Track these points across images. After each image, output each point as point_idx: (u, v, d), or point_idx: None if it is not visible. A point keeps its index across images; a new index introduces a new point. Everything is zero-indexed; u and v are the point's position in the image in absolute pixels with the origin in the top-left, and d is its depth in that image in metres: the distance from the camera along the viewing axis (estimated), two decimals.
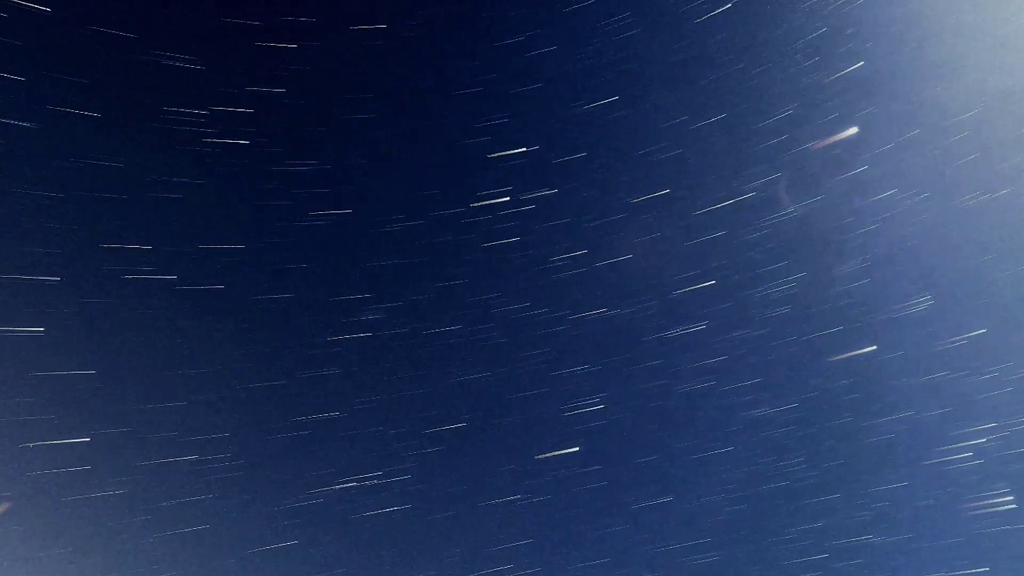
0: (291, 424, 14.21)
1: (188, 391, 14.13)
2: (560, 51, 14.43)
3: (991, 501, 13.63)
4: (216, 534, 13.92)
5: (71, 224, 13.87)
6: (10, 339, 13.53)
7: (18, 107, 13.59)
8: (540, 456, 14.37)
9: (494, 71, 14.55)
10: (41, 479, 13.34)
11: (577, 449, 14.39)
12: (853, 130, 13.96)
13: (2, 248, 13.54)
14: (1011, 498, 13.57)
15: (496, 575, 14.31)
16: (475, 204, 14.68)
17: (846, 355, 14.06)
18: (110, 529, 13.60)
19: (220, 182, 14.27)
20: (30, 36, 13.54)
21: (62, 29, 13.69)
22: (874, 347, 14.04)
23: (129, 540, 13.65)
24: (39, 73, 13.63)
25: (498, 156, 14.68)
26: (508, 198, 14.65)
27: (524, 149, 14.66)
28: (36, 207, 13.76)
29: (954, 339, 13.77)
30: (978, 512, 13.55)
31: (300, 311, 14.35)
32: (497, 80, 14.58)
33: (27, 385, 13.63)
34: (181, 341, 14.28)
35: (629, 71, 14.43)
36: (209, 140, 14.28)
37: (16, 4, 13.42)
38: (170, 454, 13.91)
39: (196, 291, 14.14)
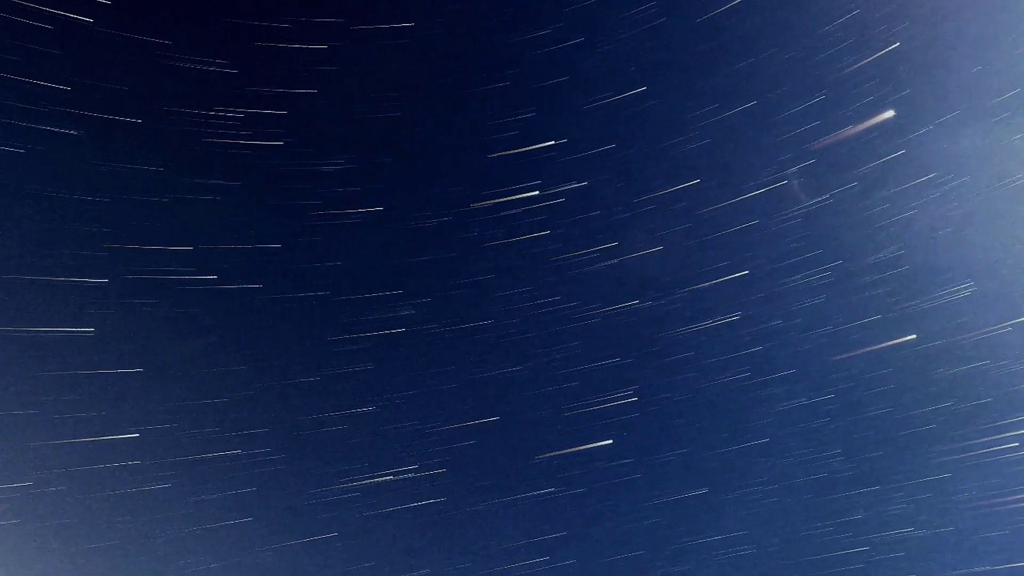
0: (327, 419, 14.55)
1: (229, 388, 14.56)
2: (586, 43, 14.39)
3: None
4: (258, 526, 14.36)
5: (117, 227, 14.37)
6: (62, 339, 14.12)
7: (65, 116, 14.12)
8: (572, 450, 14.44)
9: (520, 65, 14.58)
10: (92, 474, 13.92)
11: (610, 442, 14.42)
12: (889, 113, 13.62)
13: (53, 252, 14.12)
14: None
15: (531, 567, 14.46)
16: (504, 199, 14.76)
17: (884, 344, 13.76)
18: (158, 521, 14.14)
19: (255, 183, 14.63)
20: (74, 47, 14.04)
21: (103, 39, 14.17)
22: (913, 336, 13.73)
23: (176, 532, 14.18)
24: (83, 82, 14.13)
25: (526, 151, 14.73)
26: (537, 192, 14.69)
27: (552, 143, 14.67)
28: (84, 212, 14.30)
29: (996, 327, 13.38)
30: (1023, 504, 13.18)
31: (334, 308, 14.65)
32: (523, 74, 14.61)
33: (78, 384, 14.21)
34: (222, 339, 14.71)
35: (656, 61, 14.32)
36: (244, 142, 14.64)
37: (60, 16, 13.93)
38: (213, 449, 14.38)
39: (235, 290, 14.54)
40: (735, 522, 14.00)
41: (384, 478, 14.53)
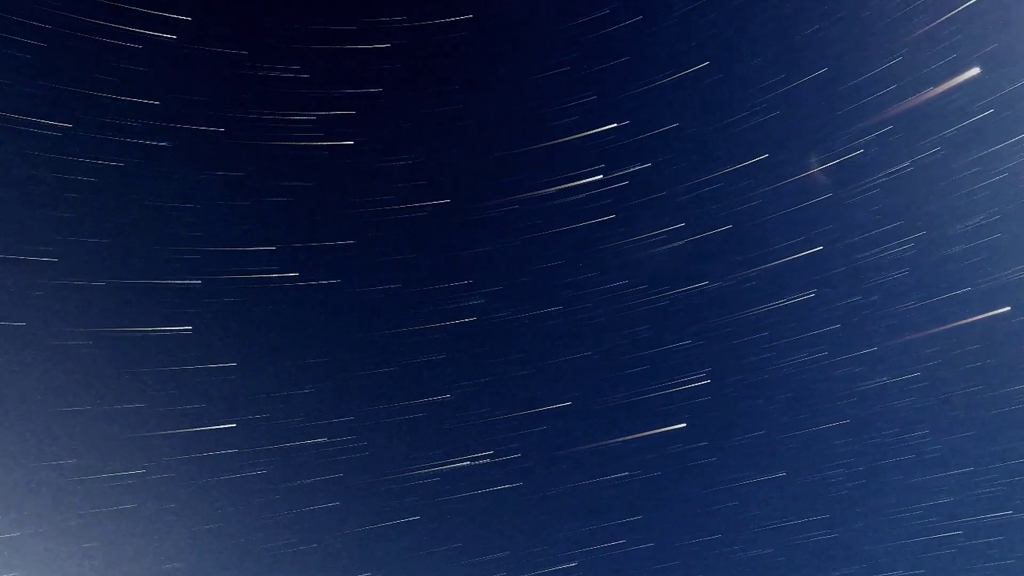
0: (405, 407, 15.11)
1: (314, 379, 15.35)
2: (644, 21, 14.14)
3: None
4: (346, 510, 15.14)
5: (207, 231, 15.34)
6: (164, 338, 15.25)
7: (156, 129, 15.13)
8: (645, 433, 14.41)
9: (578, 49, 14.50)
10: (194, 461, 15.05)
11: (683, 426, 14.31)
12: (974, 71, 12.72)
13: (152, 256, 15.23)
14: None
15: (607, 551, 14.59)
16: (568, 185, 14.78)
17: (974, 318, 12.96)
18: (256, 505, 15.15)
19: (329, 183, 15.25)
20: (160, 63, 15.01)
21: (186, 54, 15.07)
22: (1007, 308, 12.86)
23: (272, 515, 15.15)
24: (170, 96, 15.10)
25: (588, 135, 14.67)
26: (600, 176, 14.63)
27: (614, 125, 14.55)
28: (177, 218, 15.32)
29: None
30: None
31: (407, 300, 15.15)
32: (582, 58, 14.53)
33: (179, 378, 15.34)
34: (305, 333, 15.50)
35: (718, 35, 13.91)
36: (317, 144, 15.28)
37: (147, 35, 14.90)
38: (302, 437, 15.23)
39: (315, 286, 15.27)
40: (816, 506, 13.64)
41: (462, 463, 15.01)
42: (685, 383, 14.35)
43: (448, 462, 15.02)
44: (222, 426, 15.25)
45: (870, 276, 13.43)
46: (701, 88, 14.18)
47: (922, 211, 13.20)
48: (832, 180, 13.57)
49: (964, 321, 13.10)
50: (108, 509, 14.88)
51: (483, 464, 14.93)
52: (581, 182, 14.73)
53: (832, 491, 13.62)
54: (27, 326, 14.35)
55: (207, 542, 15.04)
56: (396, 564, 15.13)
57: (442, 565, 15.10)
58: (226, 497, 15.02)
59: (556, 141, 14.85)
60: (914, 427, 13.38)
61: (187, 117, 15.15)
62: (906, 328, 13.40)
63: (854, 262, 13.48)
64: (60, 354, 14.63)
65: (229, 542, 15.07)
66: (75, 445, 14.78)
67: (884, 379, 13.36)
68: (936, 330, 13.23)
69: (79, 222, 14.61)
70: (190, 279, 15.23)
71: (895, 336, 13.46)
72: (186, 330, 15.27)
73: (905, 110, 13.16)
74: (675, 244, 14.32)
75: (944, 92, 12.94)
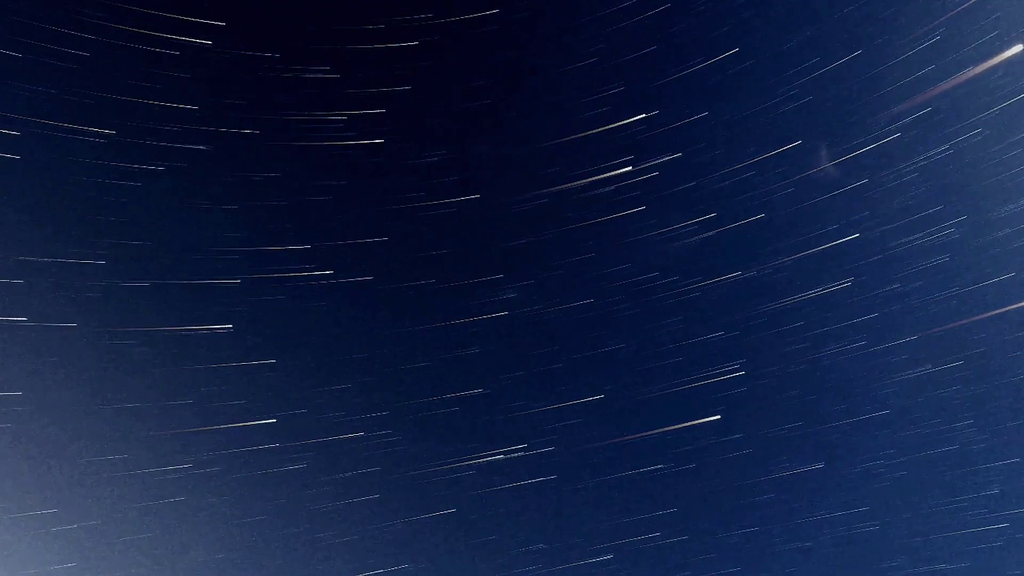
0: (440, 401, 15.29)
1: (351, 375, 15.64)
2: (673, 9, 13.97)
3: None
4: (384, 503, 15.42)
5: (245, 231, 15.72)
6: (207, 336, 15.70)
7: (195, 133, 15.54)
8: (680, 426, 14.31)
9: (606, 39, 14.40)
10: (238, 456, 15.49)
11: (718, 418, 14.17)
12: (1016, 49, 12.23)
13: (193, 257, 15.67)
14: None
15: (643, 543, 14.57)
16: (597, 177, 14.72)
17: (1020, 304, 12.52)
18: (297, 499, 15.54)
19: (361, 181, 15.47)
20: (197, 69, 15.39)
21: (221, 58, 15.42)
22: None
23: (314, 508, 15.53)
24: (208, 100, 15.47)
25: (617, 126, 14.58)
26: (630, 167, 14.54)
27: (643, 115, 14.43)
28: (217, 219, 15.73)
29: None
30: None
31: (440, 295, 15.30)
32: (609, 49, 14.43)
33: (222, 376, 15.79)
34: (342, 330, 15.80)
35: (748, 20, 13.66)
36: (349, 143, 15.51)
37: (184, 42, 15.28)
38: (341, 431, 15.55)
39: (350, 283, 15.53)
40: (857, 498, 13.39)
41: (496, 457, 15.14)
42: (719, 375, 14.23)
43: (482, 455, 15.19)
44: (263, 421, 15.68)
45: (910, 263, 13.10)
46: (731, 75, 13.98)
47: (963, 195, 12.81)
48: (868, 166, 13.25)
49: (1009, 307, 12.68)
50: (160, 502, 15.45)
51: (517, 457, 15.05)
52: (611, 174, 14.67)
53: (874, 483, 13.37)
54: (79, 327, 14.94)
55: (253, 533, 15.50)
56: (434, 556, 15.38)
57: (479, 557, 15.30)
58: (269, 490, 15.46)
59: (585, 133, 14.81)
60: (958, 417, 13.03)
61: (224, 120, 15.53)
62: (948, 315, 13.04)
63: (893, 249, 13.16)
64: (110, 353, 15.19)
65: (274, 533, 15.51)
66: (127, 441, 15.35)
67: (926, 368, 13.04)
68: (980, 317, 12.83)
69: (125, 226, 15.11)
70: (230, 279, 15.65)
71: (937, 324, 13.11)
72: (227, 329, 15.71)
73: (944, 91, 12.76)
74: (707, 234, 14.19)
75: (985, 71, 12.50)
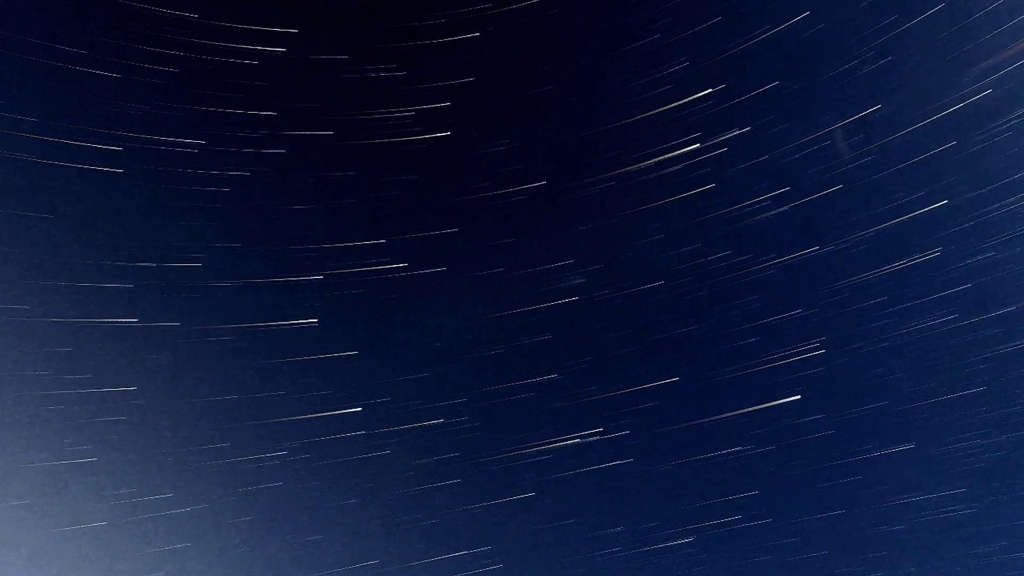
0: (514, 388, 15.51)
1: (429, 363, 16.10)
2: None
3: None
4: (465, 487, 15.85)
5: (324, 230, 16.37)
6: (293, 331, 16.52)
7: (273, 138, 16.28)
8: (758, 407, 13.94)
9: (667, 15, 14.03)
10: (327, 443, 16.28)
11: (798, 398, 13.69)
12: None
13: (279, 256, 16.49)
14: None
15: (723, 526, 14.34)
16: (664, 157, 14.43)
17: None
18: (384, 484, 16.20)
19: (429, 174, 15.80)
20: (273, 75, 16.09)
21: (294, 64, 16.05)
22: None
23: (399, 492, 16.15)
24: (284, 105, 16.16)
25: (682, 103, 14.22)
26: (698, 145, 14.16)
27: (709, 91, 14.00)
28: (298, 219, 16.47)
29: None
30: None
31: (510, 283, 15.46)
32: (672, 24, 14.05)
33: (310, 367, 16.59)
34: (419, 320, 16.27)
35: None
36: (416, 138, 15.85)
37: (259, 51, 16.00)
38: (421, 419, 16.06)
39: (424, 275, 15.94)
40: (950, 479, 12.65)
41: (572, 441, 15.23)
42: (797, 354, 13.73)
43: (559, 440, 15.32)
44: (349, 410, 16.38)
45: (1004, 229, 12.15)
46: (801, 41, 13.33)
47: None
48: (956, 127, 12.36)
49: None
50: (258, 487, 16.46)
51: (593, 441, 15.10)
52: (678, 152, 14.34)
53: (968, 463, 12.59)
54: (180, 326, 16.05)
55: (342, 516, 16.30)
56: (515, 538, 15.71)
57: (560, 540, 15.51)
58: (356, 476, 16.18)
59: (650, 113, 14.52)
60: None
61: (300, 124, 16.16)
62: None
63: (985, 215, 12.25)
64: (209, 349, 16.24)
65: (361, 516, 16.25)
66: (227, 430, 16.41)
67: (1023, 342, 12.11)
68: None
69: (217, 229, 16.04)
70: (313, 275, 16.37)
71: None
72: (312, 323, 16.47)
73: None
74: (780, 209, 13.66)
75: None
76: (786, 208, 13.58)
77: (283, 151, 16.13)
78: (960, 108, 12.37)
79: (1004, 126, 12.07)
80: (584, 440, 15.12)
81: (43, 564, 15.75)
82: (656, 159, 14.45)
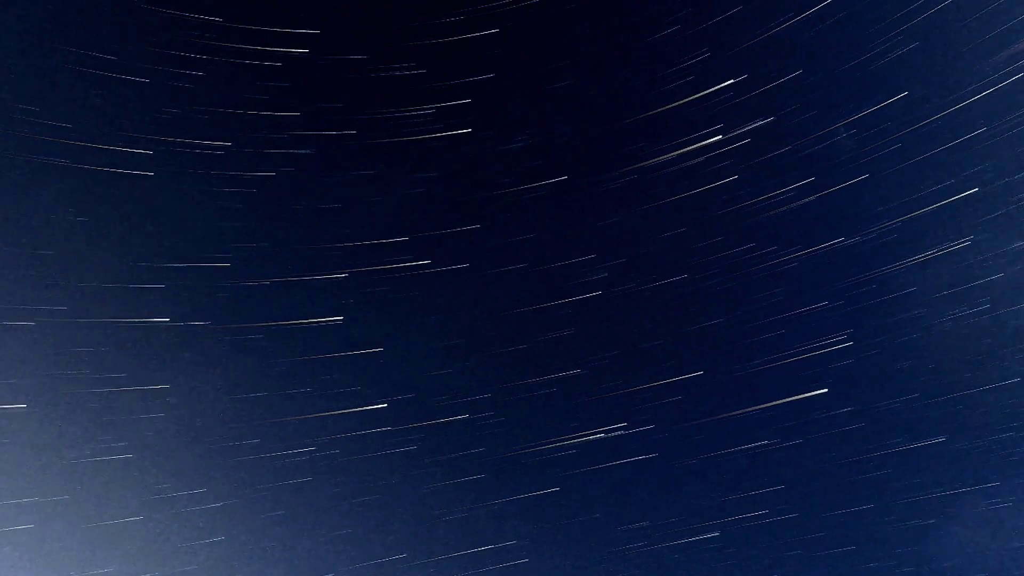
0: (538, 383, 15.52)
1: (453, 360, 16.19)
2: None
3: None
4: (491, 482, 15.91)
5: (349, 228, 16.55)
6: (319, 328, 16.74)
7: (299, 139, 16.48)
8: (784, 400, 13.76)
9: (688, 5, 13.89)
10: (354, 439, 16.47)
11: (825, 391, 13.48)
12: None
13: (304, 255, 16.71)
14: None
15: (749, 521, 14.19)
16: (686, 149, 14.30)
17: None
18: (410, 479, 16.33)
19: (451, 171, 15.86)
20: (297, 77, 16.29)
21: (317, 65, 16.23)
22: None
23: (424, 488, 16.27)
24: (308, 106, 16.35)
25: (704, 94, 14.07)
26: (719, 136, 14.01)
27: (731, 81, 13.84)
28: (322, 218, 16.67)
29: None
30: None
31: (533, 279, 15.47)
32: (693, 14, 13.91)
33: (336, 364, 16.78)
34: (442, 317, 16.36)
35: None
36: (437, 135, 15.92)
37: (283, 52, 16.21)
38: (446, 415, 16.15)
39: (446, 272, 16.03)
40: (984, 472, 12.36)
41: (597, 436, 15.20)
42: (825, 347, 13.51)
43: (583, 435, 15.30)
44: (375, 407, 16.54)
45: None
46: (825, 28, 13.10)
47: None
48: (985, 113, 12.04)
49: None
50: (288, 482, 16.70)
51: (618, 436, 15.05)
52: (700, 144, 14.20)
53: (1004, 456, 12.28)
54: (210, 324, 16.35)
55: (370, 511, 16.47)
56: (541, 533, 15.74)
57: (585, 534, 15.49)
58: (384, 471, 16.34)
59: (671, 105, 14.39)
60: None
61: (323, 124, 16.35)
62: None
63: (1016, 203, 11.92)
64: (238, 347, 16.52)
65: (389, 511, 16.41)
66: (257, 426, 16.68)
67: None
68: None
69: (245, 229, 16.30)
70: (337, 273, 16.56)
71: None
72: (338, 320, 16.66)
73: None
74: (805, 200, 13.45)
75: None
76: (811, 199, 13.39)
77: (308, 151, 16.35)
78: (989, 94, 12.07)
79: None
80: (609, 435, 15.11)
81: (83, 556, 16.22)
82: (678, 152, 14.35)
